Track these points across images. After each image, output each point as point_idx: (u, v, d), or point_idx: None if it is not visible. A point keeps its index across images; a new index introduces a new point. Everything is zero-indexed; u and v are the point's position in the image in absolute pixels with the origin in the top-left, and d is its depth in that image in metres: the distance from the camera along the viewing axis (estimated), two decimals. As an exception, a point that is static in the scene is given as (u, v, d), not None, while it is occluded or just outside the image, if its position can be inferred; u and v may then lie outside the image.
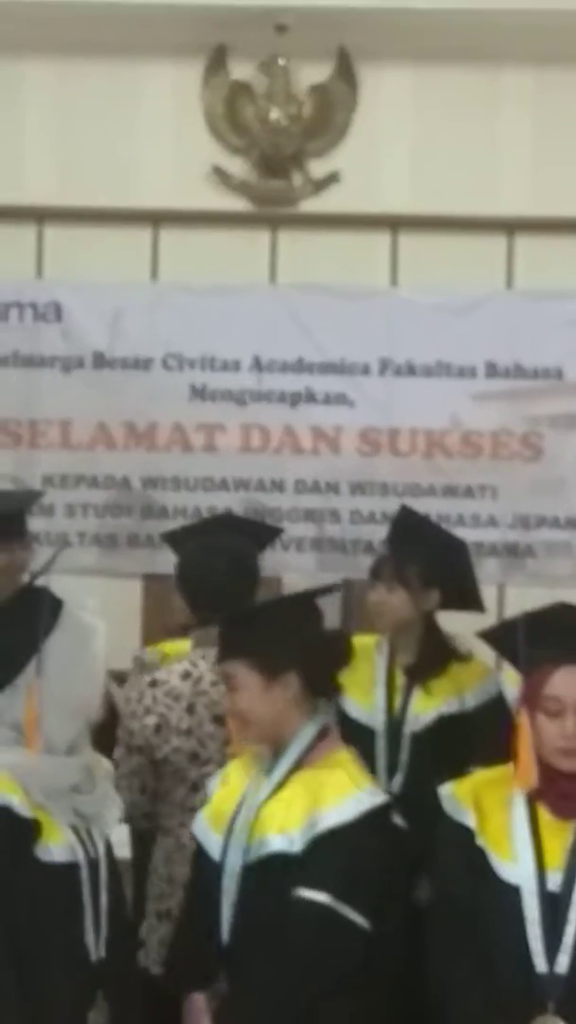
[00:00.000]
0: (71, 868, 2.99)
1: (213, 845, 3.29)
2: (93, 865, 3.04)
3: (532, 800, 3.16)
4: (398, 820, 3.32)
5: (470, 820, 3.17)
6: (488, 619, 5.41)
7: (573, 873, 3.08)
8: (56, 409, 6.24)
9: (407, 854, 3.33)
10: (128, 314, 6.26)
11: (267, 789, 3.25)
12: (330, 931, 3.06)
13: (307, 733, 3.29)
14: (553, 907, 3.06)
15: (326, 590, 3.60)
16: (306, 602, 3.48)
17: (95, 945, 3.00)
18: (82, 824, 3.06)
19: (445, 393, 6.22)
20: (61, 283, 6.31)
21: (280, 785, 3.24)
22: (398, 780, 4.23)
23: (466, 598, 4.43)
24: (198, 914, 3.30)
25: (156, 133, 6.41)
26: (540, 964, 3.03)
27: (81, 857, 3.01)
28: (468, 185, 6.31)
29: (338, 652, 3.44)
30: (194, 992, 3.26)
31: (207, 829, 3.33)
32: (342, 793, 3.16)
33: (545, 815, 3.14)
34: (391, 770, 4.26)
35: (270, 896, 3.13)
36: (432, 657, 4.33)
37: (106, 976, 3.01)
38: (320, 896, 3.07)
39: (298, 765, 3.25)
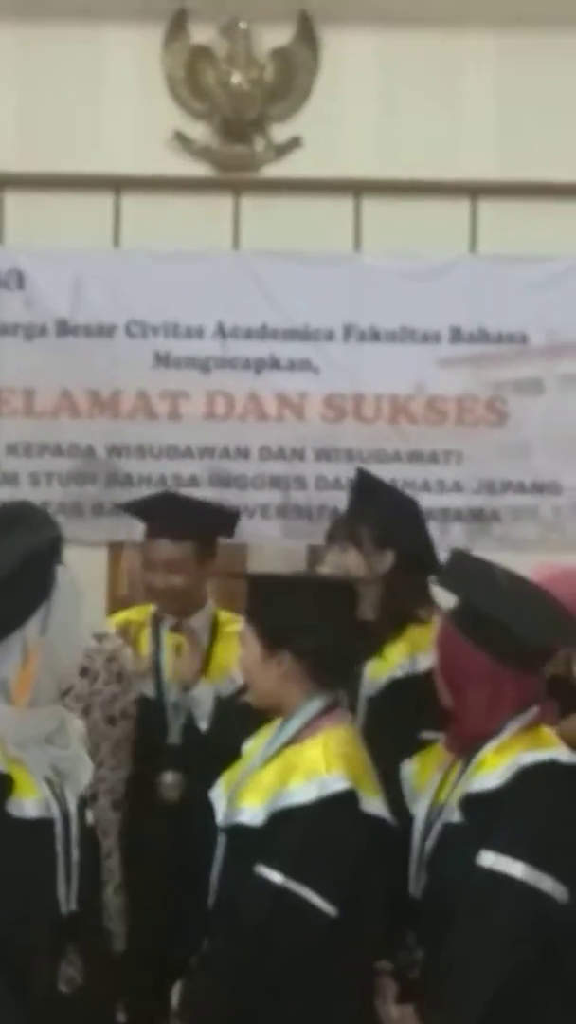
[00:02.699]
0: (44, 823, 3.00)
1: (220, 809, 3.33)
2: (66, 820, 3.04)
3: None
4: (376, 810, 3.28)
5: (408, 767, 3.41)
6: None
7: (442, 807, 3.25)
8: (19, 377, 6.20)
9: (387, 845, 3.31)
10: (90, 281, 6.21)
11: (260, 760, 3.28)
12: (282, 909, 3.06)
13: (308, 710, 3.29)
14: (423, 837, 3.27)
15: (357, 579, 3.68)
16: (320, 587, 3.48)
17: (66, 899, 3.02)
18: (57, 779, 3.06)
19: (410, 359, 6.20)
20: (22, 250, 6.26)
21: (271, 758, 3.27)
22: None
23: (422, 561, 4.40)
24: (199, 879, 3.32)
25: (117, 98, 6.35)
26: (412, 887, 3.27)
27: (56, 812, 3.03)
28: (432, 149, 6.28)
29: (352, 644, 3.43)
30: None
31: (219, 794, 3.37)
32: (309, 773, 3.17)
33: (456, 760, 3.31)
34: None
35: (236, 866, 3.16)
36: (389, 620, 4.29)
37: (77, 929, 3.03)
38: (274, 875, 3.07)
39: (292, 740, 3.27)
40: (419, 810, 3.31)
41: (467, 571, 3.45)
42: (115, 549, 6.27)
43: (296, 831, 3.11)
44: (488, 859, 3.07)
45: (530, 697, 3.29)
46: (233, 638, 4.20)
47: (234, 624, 4.34)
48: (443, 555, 4.54)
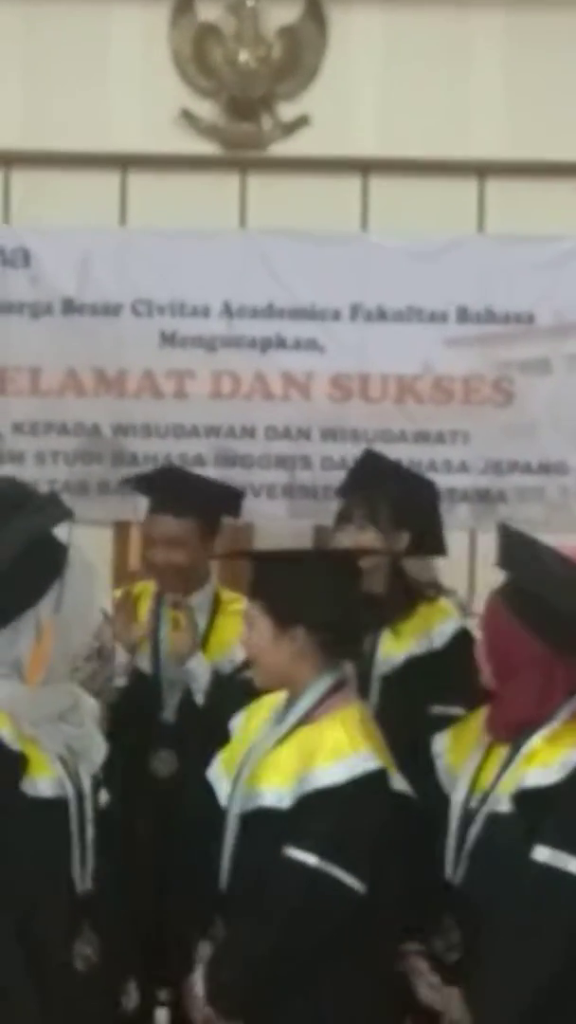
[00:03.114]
0: (58, 803, 3.02)
1: (222, 790, 3.30)
2: (80, 799, 3.05)
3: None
4: (402, 786, 3.28)
5: (440, 743, 3.39)
6: (459, 566, 5.50)
7: (487, 795, 3.20)
8: (25, 356, 6.19)
9: (412, 822, 3.29)
10: (97, 260, 6.20)
11: (272, 739, 3.25)
12: (317, 892, 3.05)
13: (318, 687, 3.27)
14: (465, 823, 3.21)
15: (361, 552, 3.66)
16: (329, 561, 3.47)
17: (81, 877, 3.04)
18: (71, 758, 3.06)
19: (416, 338, 6.19)
20: (29, 228, 6.24)
21: (284, 738, 3.23)
22: None
23: (431, 542, 4.40)
24: (198, 859, 3.30)
25: (124, 76, 6.33)
26: (448, 871, 3.22)
27: (70, 792, 3.04)
28: (439, 128, 6.26)
29: (361, 616, 3.42)
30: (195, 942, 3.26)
31: (220, 774, 3.34)
32: (336, 754, 3.14)
33: (496, 743, 3.28)
34: None
35: (259, 850, 3.14)
36: (400, 599, 4.30)
37: (93, 908, 3.05)
38: (308, 857, 3.06)
39: (305, 719, 3.23)
40: (457, 794, 3.27)
41: (518, 552, 3.40)
42: (121, 528, 6.25)
43: (330, 813, 3.09)
44: (544, 854, 3.03)
45: None
46: (235, 616, 4.18)
47: (236, 603, 4.33)
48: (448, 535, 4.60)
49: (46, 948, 2.98)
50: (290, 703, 3.30)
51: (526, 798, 3.10)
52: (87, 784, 3.10)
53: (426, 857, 3.26)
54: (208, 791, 3.36)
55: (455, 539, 5.35)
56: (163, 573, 4.49)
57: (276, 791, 3.14)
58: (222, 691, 4.20)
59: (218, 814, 3.28)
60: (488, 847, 3.16)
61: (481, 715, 3.41)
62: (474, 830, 3.19)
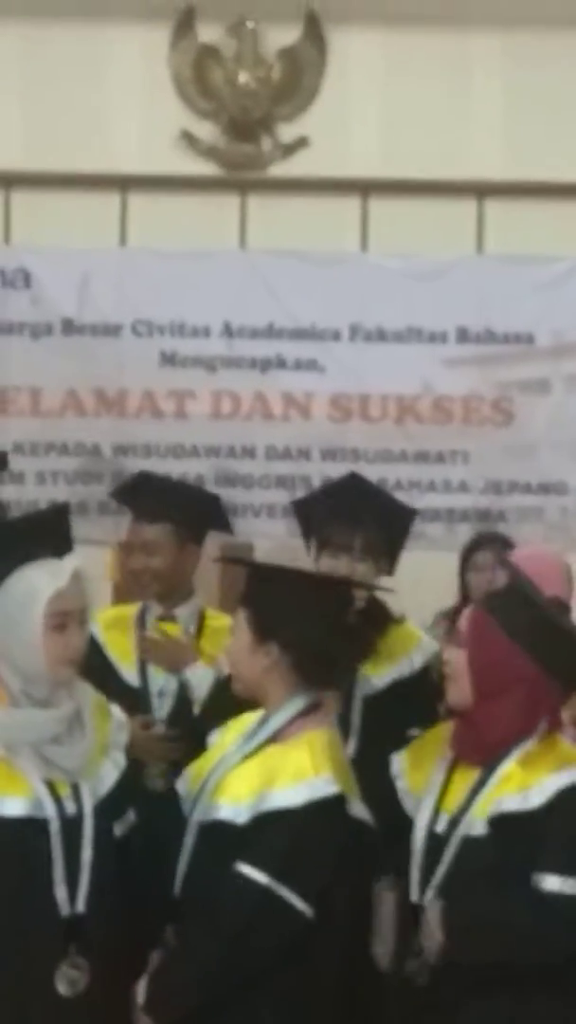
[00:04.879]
0: (32, 823, 2.98)
1: (186, 799, 3.28)
2: (71, 820, 3.02)
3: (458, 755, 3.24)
4: (360, 813, 3.27)
5: (398, 763, 3.34)
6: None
7: (458, 818, 3.13)
8: (25, 376, 6.22)
9: (365, 847, 3.26)
10: (97, 280, 6.23)
11: (239, 755, 3.23)
12: (265, 910, 3.05)
13: (289, 708, 3.23)
14: (434, 846, 3.15)
15: (358, 585, 3.66)
16: (317, 584, 3.46)
17: (69, 900, 3.00)
18: (64, 778, 3.05)
19: (416, 359, 6.21)
20: (29, 249, 6.27)
21: (251, 754, 3.22)
22: (351, 745, 4.18)
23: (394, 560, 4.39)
24: (156, 867, 3.26)
25: (124, 97, 6.36)
26: (415, 894, 3.15)
27: (51, 812, 3.00)
28: (438, 149, 6.28)
29: (342, 647, 3.40)
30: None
31: (186, 783, 3.32)
32: (297, 776, 3.12)
33: (464, 763, 3.21)
34: (343, 735, 4.22)
35: (212, 862, 3.12)
36: (377, 623, 4.27)
37: (82, 931, 3.01)
38: (259, 875, 3.05)
39: (273, 738, 3.21)
40: (421, 817, 3.21)
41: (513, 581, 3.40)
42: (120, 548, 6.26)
43: (284, 834, 3.07)
44: (553, 883, 3.02)
45: (556, 706, 3.26)
46: (219, 634, 4.18)
47: (221, 620, 4.32)
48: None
49: (21, 970, 2.96)
50: (262, 721, 3.28)
51: (504, 823, 3.08)
52: (88, 805, 3.07)
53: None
54: (176, 800, 3.33)
55: (456, 558, 5.39)
56: (141, 579, 4.46)
57: (234, 806, 3.12)
58: (221, 698, 4.18)
59: (182, 823, 3.25)
60: (464, 871, 3.12)
61: (438, 734, 3.37)
62: (447, 854, 3.13)
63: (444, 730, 3.36)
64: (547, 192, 6.27)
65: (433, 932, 3.07)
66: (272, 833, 3.08)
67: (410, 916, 3.16)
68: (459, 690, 3.22)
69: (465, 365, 6.23)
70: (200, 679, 4.27)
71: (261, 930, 3.05)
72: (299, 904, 3.05)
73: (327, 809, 3.11)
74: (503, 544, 5.30)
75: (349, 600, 3.52)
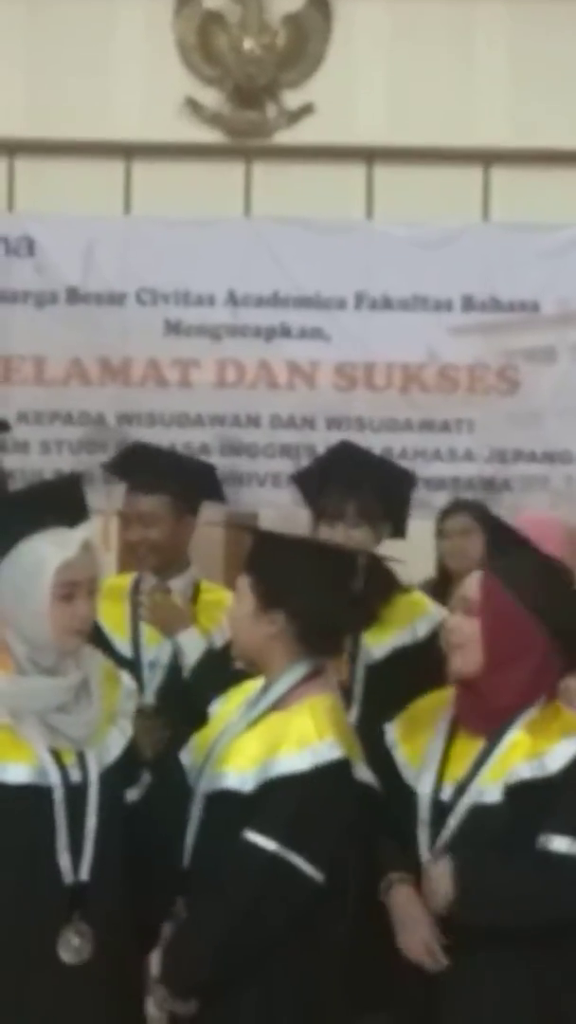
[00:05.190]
0: (34, 790, 2.99)
1: (191, 770, 3.28)
2: (75, 788, 3.03)
3: (456, 720, 3.24)
4: (365, 776, 3.28)
5: (392, 731, 3.34)
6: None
7: (464, 787, 3.14)
8: (30, 345, 6.19)
9: (371, 810, 3.28)
10: (101, 248, 6.19)
11: (242, 724, 3.24)
12: (275, 877, 3.05)
13: (292, 675, 3.23)
14: (439, 814, 3.15)
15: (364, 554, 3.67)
16: (325, 553, 3.45)
17: (73, 868, 3.01)
18: (70, 746, 3.06)
19: (421, 327, 6.18)
20: (33, 217, 6.24)
21: (254, 722, 3.22)
22: (353, 713, 4.18)
23: (398, 527, 4.39)
24: (163, 839, 3.25)
25: (128, 64, 6.35)
26: (425, 856, 3.15)
27: (55, 779, 3.01)
28: (444, 116, 6.28)
29: (346, 616, 3.40)
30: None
31: (190, 753, 3.33)
32: (301, 741, 3.13)
33: (464, 732, 3.21)
34: (346, 704, 4.22)
35: (220, 831, 3.13)
36: (380, 591, 4.26)
37: (86, 899, 3.01)
38: (268, 842, 3.05)
39: (276, 705, 3.22)
40: (423, 785, 3.21)
41: (510, 536, 3.40)
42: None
43: (291, 800, 3.07)
44: (561, 844, 3.03)
45: (557, 675, 3.25)
46: (213, 607, 4.22)
47: (216, 593, 4.36)
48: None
49: (24, 937, 2.98)
50: (264, 689, 3.28)
51: (522, 790, 3.08)
52: (95, 773, 3.07)
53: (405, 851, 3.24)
54: (181, 772, 3.32)
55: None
56: (139, 551, 4.46)
57: (240, 774, 3.13)
58: (210, 667, 4.18)
59: (188, 795, 3.26)
60: (476, 839, 3.12)
61: (430, 703, 3.36)
62: (453, 822, 3.14)
63: (435, 699, 3.37)
64: (553, 160, 6.26)
65: (439, 888, 3.08)
66: (279, 799, 3.09)
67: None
68: (469, 658, 3.21)
69: (470, 333, 6.20)
70: (192, 646, 4.28)
71: (271, 897, 3.06)
72: (308, 870, 3.06)
73: (333, 773, 3.12)
74: (477, 510, 5.29)
75: (354, 568, 3.51)
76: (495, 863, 3.08)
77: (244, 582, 3.29)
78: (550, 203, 6.22)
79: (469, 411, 6.20)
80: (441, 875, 3.08)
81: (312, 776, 3.10)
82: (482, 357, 6.22)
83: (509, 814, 3.08)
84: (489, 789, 3.11)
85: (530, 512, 5.02)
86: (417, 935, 3.13)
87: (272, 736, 3.16)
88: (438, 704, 3.34)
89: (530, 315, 6.20)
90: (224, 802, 3.15)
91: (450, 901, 3.06)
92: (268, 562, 3.29)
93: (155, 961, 3.20)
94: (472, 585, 3.24)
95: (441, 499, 6.02)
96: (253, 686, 3.36)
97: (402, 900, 3.16)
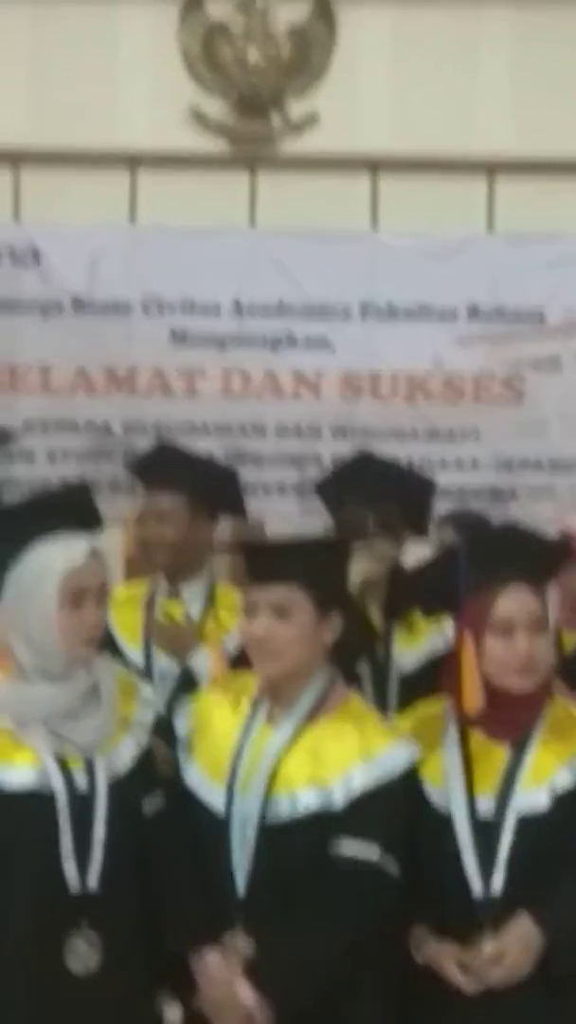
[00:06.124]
0: (36, 797, 2.98)
1: (215, 797, 3.11)
2: (82, 796, 3.01)
3: (464, 726, 3.16)
4: None
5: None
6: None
7: (506, 799, 3.08)
8: (35, 354, 6.18)
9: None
10: (106, 258, 6.19)
11: (282, 739, 3.09)
12: (375, 889, 2.99)
13: (320, 681, 3.14)
14: (484, 834, 3.06)
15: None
16: (339, 542, 3.45)
17: (80, 876, 2.98)
18: (77, 753, 3.04)
19: (427, 336, 6.18)
20: (38, 227, 6.24)
21: (298, 735, 3.10)
22: None
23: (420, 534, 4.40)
24: (195, 868, 3.11)
25: (133, 74, 6.36)
26: (476, 888, 3.05)
27: (59, 786, 2.99)
28: (448, 126, 6.29)
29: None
30: (205, 949, 3.06)
31: (205, 780, 3.15)
32: (382, 747, 3.06)
33: (478, 738, 3.14)
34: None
35: (304, 852, 3.01)
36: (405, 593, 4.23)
37: (95, 908, 2.98)
38: (369, 854, 2.98)
39: (313, 714, 3.11)
40: (456, 804, 3.09)
41: None
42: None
43: (385, 808, 3.00)
44: None
45: None
46: (230, 611, 4.15)
47: (233, 596, 4.21)
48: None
49: (31, 945, 2.96)
50: (281, 699, 3.14)
51: (568, 797, 3.04)
52: (103, 781, 3.03)
53: (450, 878, 3.13)
54: (190, 798, 3.17)
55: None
56: (153, 550, 4.43)
57: (323, 791, 3.02)
58: None
59: (212, 822, 3.10)
60: (531, 852, 3.04)
61: (436, 711, 3.28)
62: (504, 839, 3.05)
63: (432, 710, 3.31)
64: (558, 170, 6.28)
65: (522, 954, 3.01)
66: (375, 810, 3.01)
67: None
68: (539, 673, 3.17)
69: (476, 343, 6.20)
70: (203, 668, 4.25)
71: (374, 909, 3.00)
72: (395, 872, 3.00)
73: (414, 774, 3.08)
74: (470, 520, 5.26)
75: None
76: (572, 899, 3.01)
77: (296, 593, 3.11)
78: (555, 213, 6.23)
79: (475, 420, 6.20)
80: (522, 938, 3.00)
81: (401, 780, 3.05)
82: (488, 366, 6.22)
83: (560, 822, 3.05)
84: (533, 796, 3.07)
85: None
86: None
87: (344, 745, 3.07)
88: (433, 714, 3.29)
89: (536, 325, 6.20)
90: (306, 824, 3.03)
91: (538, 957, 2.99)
92: (320, 566, 3.16)
93: (242, 988, 3.02)
94: (534, 601, 3.19)
95: (446, 508, 6.02)
96: (239, 697, 3.22)
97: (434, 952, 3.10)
